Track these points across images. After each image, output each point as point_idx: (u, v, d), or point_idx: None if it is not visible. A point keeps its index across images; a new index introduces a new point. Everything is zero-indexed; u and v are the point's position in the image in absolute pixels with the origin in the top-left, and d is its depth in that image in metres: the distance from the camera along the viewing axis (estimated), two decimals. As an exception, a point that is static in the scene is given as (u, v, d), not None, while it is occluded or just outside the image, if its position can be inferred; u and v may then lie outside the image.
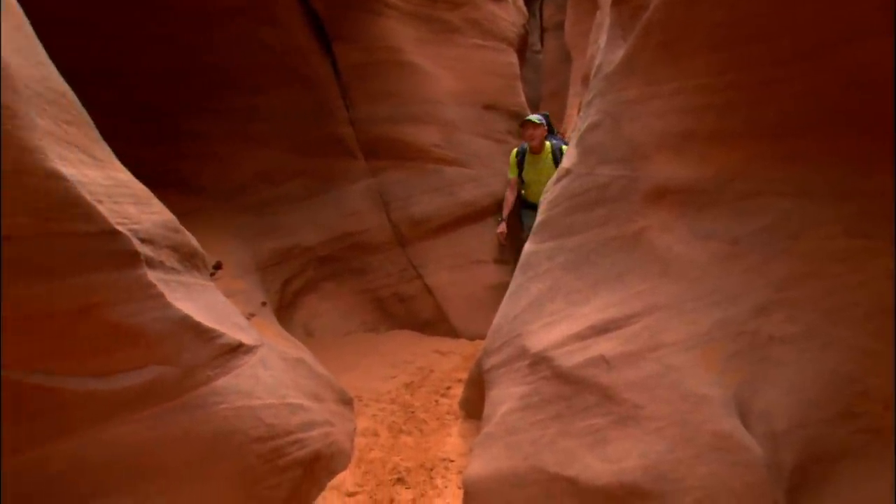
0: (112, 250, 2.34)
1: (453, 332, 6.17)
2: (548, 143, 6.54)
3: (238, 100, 6.58)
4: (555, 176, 3.02)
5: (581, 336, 2.41)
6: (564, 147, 6.17)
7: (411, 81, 6.60)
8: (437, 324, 6.28)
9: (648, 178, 2.35)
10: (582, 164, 2.73)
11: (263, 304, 5.31)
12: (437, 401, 4.61)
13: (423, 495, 3.42)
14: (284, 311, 6.36)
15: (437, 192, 6.54)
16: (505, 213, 6.71)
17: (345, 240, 6.65)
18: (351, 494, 3.46)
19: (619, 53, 2.56)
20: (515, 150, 6.74)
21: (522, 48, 8.28)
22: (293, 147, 6.74)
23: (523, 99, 7.61)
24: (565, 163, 2.87)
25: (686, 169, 2.30)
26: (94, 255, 2.29)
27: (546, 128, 6.53)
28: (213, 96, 6.54)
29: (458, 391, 4.43)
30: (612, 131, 2.54)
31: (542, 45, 15.21)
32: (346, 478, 3.61)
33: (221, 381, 2.83)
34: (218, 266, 5.52)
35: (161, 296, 2.53)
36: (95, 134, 2.53)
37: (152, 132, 6.77)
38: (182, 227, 2.93)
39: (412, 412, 4.49)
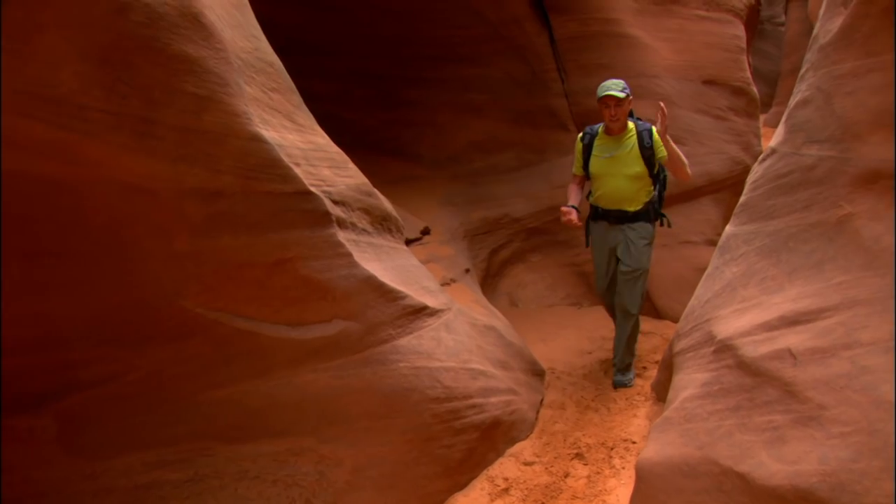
0: (306, 209, 2.51)
1: (656, 313, 5.92)
2: (631, 122, 4.48)
3: (455, 70, 6.74)
4: (761, 156, 2.74)
5: (770, 326, 2.20)
6: (654, 131, 4.30)
7: (627, 54, 6.34)
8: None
9: (859, 161, 2.06)
10: (787, 142, 2.46)
11: (466, 271, 5.46)
12: (629, 380, 4.48)
13: (598, 473, 3.36)
14: (491, 279, 6.48)
15: (650, 169, 6.26)
16: (571, 200, 4.54)
17: (553, 212, 6.58)
18: (528, 464, 3.48)
19: (837, 22, 2.26)
20: (580, 134, 4.64)
21: (752, 19, 7.58)
22: (507, 118, 6.79)
23: (748, 74, 6.99)
24: (772, 141, 2.62)
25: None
26: (290, 214, 2.48)
27: (629, 100, 4.38)
28: (431, 66, 6.77)
29: (654, 373, 4.26)
30: (823, 108, 2.25)
31: (785, 16, 13.87)
32: (525, 447, 3.64)
33: (403, 341, 2.96)
34: (426, 231, 5.75)
35: (349, 255, 2.69)
36: (298, 100, 2.72)
37: (376, 100, 7.18)
38: (375, 191, 3.07)
39: (603, 390, 4.40)
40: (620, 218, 4.45)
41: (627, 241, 4.44)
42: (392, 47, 6.86)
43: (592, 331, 5.54)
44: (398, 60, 6.92)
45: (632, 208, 4.42)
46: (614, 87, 4.25)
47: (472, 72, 6.73)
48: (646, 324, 5.52)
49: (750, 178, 2.79)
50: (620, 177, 4.39)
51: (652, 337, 5.29)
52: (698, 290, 3.06)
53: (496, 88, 6.73)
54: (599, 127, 4.53)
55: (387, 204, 3.16)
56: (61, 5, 1.73)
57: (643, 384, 4.39)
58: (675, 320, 5.72)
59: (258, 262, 2.48)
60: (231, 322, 2.58)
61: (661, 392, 3.63)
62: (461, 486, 3.24)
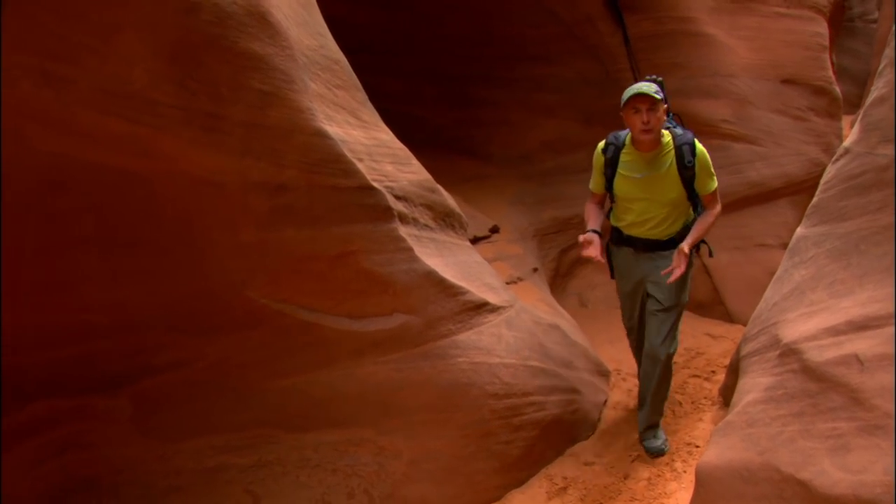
0: (368, 204, 2.56)
1: (728, 317, 5.75)
2: (668, 133, 3.48)
3: (528, 69, 6.72)
4: (835, 156, 2.62)
5: (836, 330, 2.11)
6: (699, 146, 3.44)
7: (702, 53, 6.18)
8: (711, 306, 5.89)
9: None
10: (862, 142, 2.35)
11: (534, 270, 5.44)
12: (697, 384, 4.38)
13: (659, 476, 3.31)
14: (560, 279, 6.44)
15: (723, 170, 6.02)
16: (590, 224, 3.59)
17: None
18: (588, 464, 3.45)
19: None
20: (601, 144, 3.63)
21: (836, 16, 7.25)
22: (578, 118, 6.72)
23: (830, 73, 6.70)
24: (846, 141, 2.51)
25: None
26: (352, 208, 2.53)
27: (666, 106, 3.44)
28: (504, 65, 6.77)
29: (722, 377, 4.15)
30: (900, 106, 2.15)
31: (878, 12, 13.19)
32: (586, 447, 3.61)
33: (462, 336, 2.98)
34: (494, 229, 5.75)
35: (410, 249, 2.73)
36: (363, 97, 2.78)
37: (449, 98, 7.23)
38: (439, 187, 3.10)
39: (669, 392, 4.31)
40: (650, 246, 3.60)
41: (659, 273, 3.51)
42: (464, 46, 6.89)
43: (662, 333, 5.44)
44: (470, 59, 6.95)
45: (665, 235, 3.58)
46: (645, 88, 3.27)
47: (544, 71, 6.69)
48: (717, 327, 5.39)
49: (823, 179, 2.69)
50: (653, 203, 3.49)
51: (723, 341, 5.16)
52: (767, 293, 2.98)
53: (568, 88, 6.68)
54: (626, 135, 3.52)
55: (450, 200, 3.18)
56: (136, 5, 1.82)
57: (711, 388, 4.28)
58: (747, 325, 5.57)
59: (321, 255, 2.55)
60: (295, 313, 2.65)
61: (728, 396, 3.54)
62: (519, 482, 3.24)
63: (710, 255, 3.76)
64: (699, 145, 3.42)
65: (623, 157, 3.50)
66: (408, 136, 3.15)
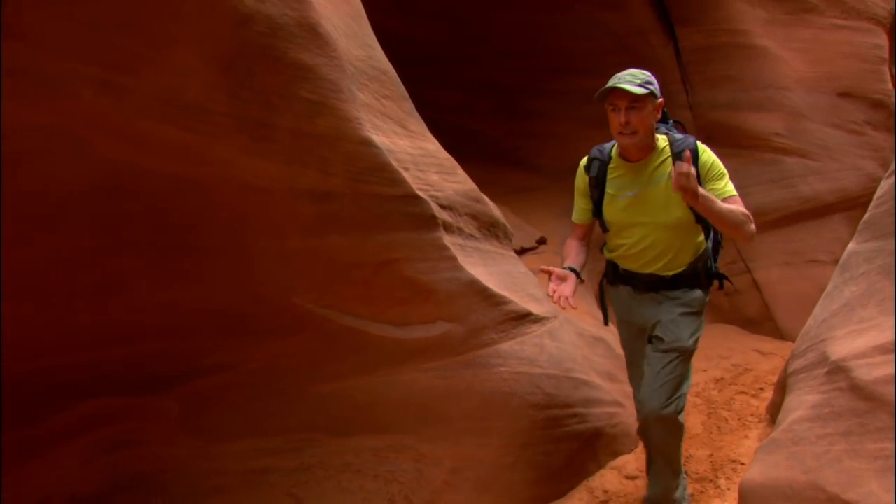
0: (412, 213, 2.59)
1: (778, 333, 5.65)
2: (664, 138, 2.82)
3: (578, 82, 6.70)
4: (889, 171, 2.51)
5: (886, 349, 2.06)
6: (704, 149, 2.79)
7: (755, 66, 6.13)
8: (761, 322, 5.81)
9: None
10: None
11: (581, 281, 5.41)
12: (744, 401, 4.30)
13: (702, 492, 3.25)
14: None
15: (774, 184, 6.00)
16: (567, 261, 2.93)
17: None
18: (630, 477, 3.41)
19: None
20: (584, 160, 2.95)
21: (896, 27, 7.11)
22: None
23: (889, 86, 6.55)
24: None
25: None
26: (397, 216, 2.56)
27: (657, 103, 2.70)
28: (555, 78, 6.80)
29: (770, 394, 4.07)
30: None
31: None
32: (629, 460, 3.57)
33: (505, 345, 2.99)
34: (542, 241, 5.75)
35: (454, 258, 2.74)
36: (410, 107, 2.81)
37: (500, 111, 7.29)
38: (484, 197, 3.12)
39: (715, 408, 4.25)
40: (653, 284, 2.87)
41: (665, 316, 2.87)
42: (517, 59, 6.95)
43: (709, 348, 5.34)
44: (522, 72, 7.00)
45: (671, 272, 2.84)
46: (628, 79, 2.61)
47: (595, 84, 6.63)
48: (766, 344, 5.29)
49: (876, 194, 2.63)
50: (652, 227, 2.77)
51: (772, 358, 5.06)
52: (816, 310, 2.92)
53: (618, 101, 6.67)
54: (612, 147, 2.85)
55: (495, 210, 3.20)
56: (192, 18, 1.88)
57: (759, 406, 4.20)
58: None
59: (365, 262, 2.58)
60: (339, 319, 2.69)
61: (775, 414, 3.47)
62: (559, 494, 3.22)
63: (733, 289, 2.96)
64: (703, 147, 2.77)
65: (610, 174, 2.81)
66: (459, 147, 3.17)
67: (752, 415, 4.10)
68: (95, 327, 2.41)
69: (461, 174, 3.02)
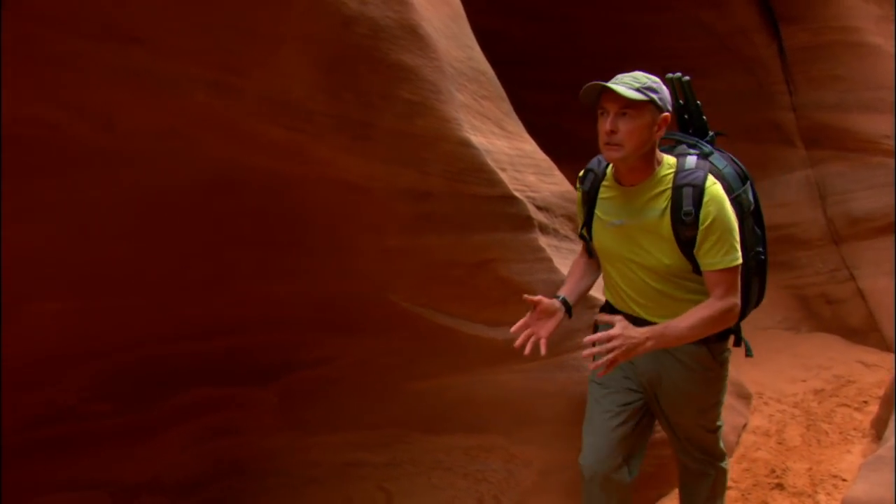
0: (509, 213, 2.58)
1: (884, 344, 5.31)
2: (671, 162, 2.09)
3: (677, 81, 6.56)
4: None
5: None
6: (712, 194, 1.97)
7: (865, 65, 5.81)
8: (866, 332, 5.49)
9: None
10: None
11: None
12: (847, 414, 4.07)
13: (800, 507, 3.10)
14: (704, 297, 6.24)
15: (883, 189, 5.66)
16: (562, 290, 2.32)
17: (773, 231, 6.16)
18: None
19: None
20: (581, 173, 2.29)
21: None
22: (726, 131, 6.49)
23: None
24: None
25: None
26: (494, 216, 2.56)
27: (660, 118, 1.99)
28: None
29: (875, 408, 3.84)
30: None
31: None
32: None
33: (599, 349, 2.93)
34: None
35: (549, 260, 2.71)
36: (508, 108, 2.80)
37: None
38: (580, 199, 3.07)
39: (814, 420, 4.04)
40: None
41: (666, 376, 2.26)
42: (614, 60, 6.78)
43: (808, 358, 5.10)
44: (619, 73, 6.87)
45: (660, 317, 2.12)
46: (625, 80, 2.02)
47: (695, 84, 6.50)
48: (871, 355, 5.01)
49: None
50: (637, 268, 2.15)
51: (877, 370, 4.77)
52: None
53: (717, 101, 6.39)
54: (606, 165, 2.21)
55: (591, 212, 3.14)
56: (298, 20, 1.93)
57: (862, 419, 3.97)
58: (907, 353, 5.16)
59: (461, 262, 2.59)
60: (433, 318, 2.71)
61: (880, 429, 3.29)
62: (650, 501, 3.13)
63: (748, 353, 2.37)
64: (714, 188, 2.00)
65: (602, 193, 2.21)
66: (554, 148, 3.14)
67: (854, 429, 3.89)
68: (203, 319, 2.51)
69: (558, 175, 2.98)
